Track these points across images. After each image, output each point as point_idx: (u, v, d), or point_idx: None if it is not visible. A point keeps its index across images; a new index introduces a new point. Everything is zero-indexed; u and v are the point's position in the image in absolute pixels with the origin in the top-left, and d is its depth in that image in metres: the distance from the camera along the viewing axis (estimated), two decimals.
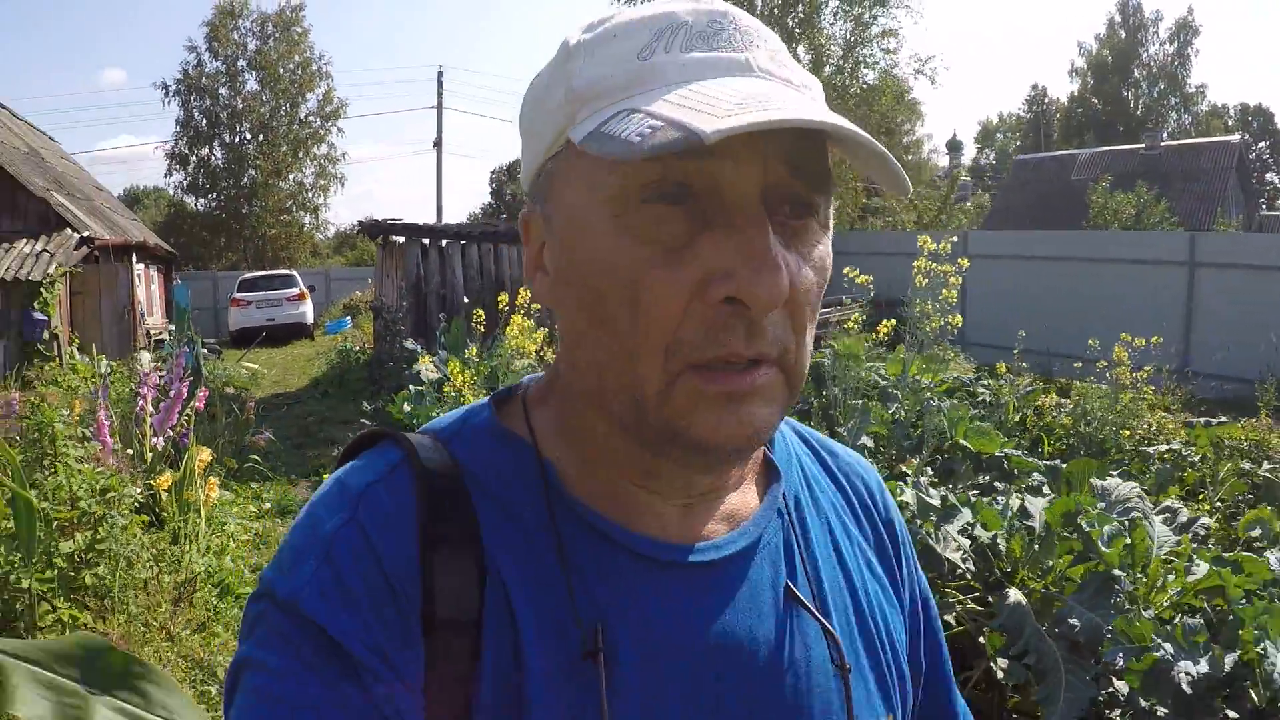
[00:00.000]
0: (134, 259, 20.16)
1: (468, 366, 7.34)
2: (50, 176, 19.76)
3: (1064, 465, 5.05)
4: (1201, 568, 3.42)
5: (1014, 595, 3.40)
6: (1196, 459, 6.97)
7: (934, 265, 6.52)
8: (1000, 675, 3.29)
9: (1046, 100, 70.35)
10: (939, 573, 3.65)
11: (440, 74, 43.10)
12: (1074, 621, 3.15)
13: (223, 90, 49.98)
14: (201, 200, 50.03)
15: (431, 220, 25.50)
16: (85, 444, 5.91)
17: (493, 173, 72.84)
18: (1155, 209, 29.94)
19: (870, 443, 5.91)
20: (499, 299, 7.97)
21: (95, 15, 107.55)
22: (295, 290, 27.21)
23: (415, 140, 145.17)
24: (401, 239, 15.57)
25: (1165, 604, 3.50)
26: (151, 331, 20.95)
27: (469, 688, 0.77)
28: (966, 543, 3.76)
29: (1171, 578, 3.49)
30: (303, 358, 20.49)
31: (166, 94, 48.88)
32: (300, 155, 51.40)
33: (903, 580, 1.04)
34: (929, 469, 5.61)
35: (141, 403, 7.06)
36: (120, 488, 5.21)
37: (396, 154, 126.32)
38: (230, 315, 27.11)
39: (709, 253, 0.72)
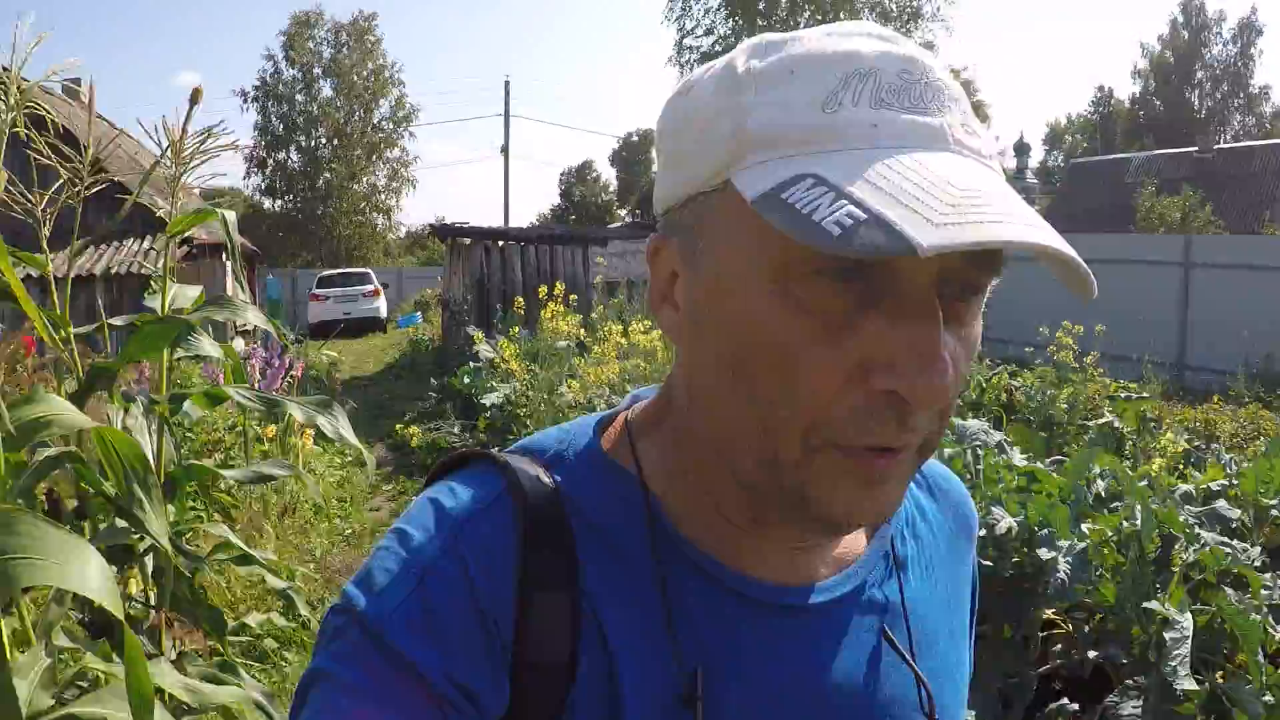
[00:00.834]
0: (223, 256, 22.06)
1: (513, 343, 9.00)
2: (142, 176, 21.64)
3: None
4: (1014, 478, 4.89)
5: None
6: (1129, 430, 8.31)
7: None
8: None
9: (1112, 102, 69.73)
10: None
11: (507, 83, 44.88)
12: None
13: (299, 97, 52.37)
14: (278, 202, 52.47)
15: (498, 222, 27.32)
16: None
17: (562, 174, 75.21)
18: (1200, 213, 30.27)
19: None
20: (540, 292, 9.64)
21: (170, 19, 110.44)
22: (370, 287, 29.14)
23: (485, 143, 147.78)
24: (468, 240, 17.62)
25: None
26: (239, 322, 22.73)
27: None
28: None
29: (996, 483, 4.98)
30: (377, 348, 22.41)
31: (245, 101, 51.44)
32: (373, 159, 53.79)
33: (975, 600, 1.04)
34: None
35: (250, 369, 8.80)
36: (245, 423, 6.97)
37: (466, 158, 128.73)
38: (309, 309, 29.01)
39: (872, 337, 0.67)
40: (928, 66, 0.71)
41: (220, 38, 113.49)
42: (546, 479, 0.84)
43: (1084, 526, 4.20)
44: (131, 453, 2.10)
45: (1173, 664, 3.24)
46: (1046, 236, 0.63)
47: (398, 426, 10.41)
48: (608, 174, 75.58)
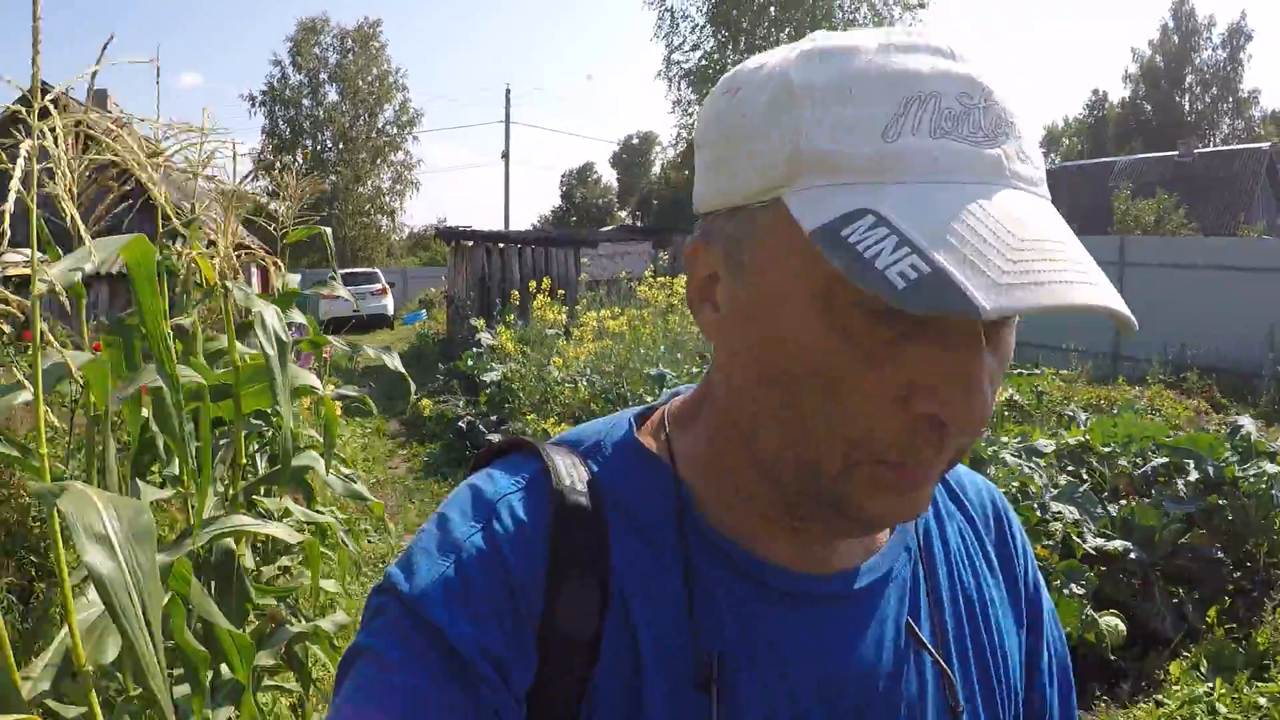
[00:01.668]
0: (242, 255, 23.87)
1: (510, 329, 10.79)
2: (171, 183, 23.46)
3: None
4: None
5: None
6: (1029, 404, 9.95)
7: None
8: None
9: (1106, 105, 69.98)
10: None
11: (508, 91, 46.75)
12: None
13: (305, 101, 54.24)
14: (285, 204, 53.74)
15: (499, 222, 29.03)
16: None
17: (563, 176, 75.70)
18: (1174, 215, 30.85)
19: None
20: (531, 287, 11.44)
21: (172, 20, 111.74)
22: (378, 285, 30.83)
23: (488, 147, 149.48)
24: (471, 243, 19.61)
25: None
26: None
27: (575, 706, 0.79)
28: None
29: None
30: (386, 342, 23.93)
31: (253, 104, 53.36)
32: (378, 162, 55.73)
33: (1025, 594, 1.02)
34: None
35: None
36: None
37: (469, 161, 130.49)
38: (321, 306, 30.65)
39: (916, 364, 0.69)
40: (987, 89, 0.69)
41: (223, 40, 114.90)
42: (581, 467, 0.87)
43: None
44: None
45: None
46: (1103, 296, 0.63)
47: (411, 399, 12.16)
48: (608, 176, 76.35)
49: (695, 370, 8.89)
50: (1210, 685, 4.67)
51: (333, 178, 53.18)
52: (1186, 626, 5.24)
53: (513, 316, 11.46)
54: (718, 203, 0.79)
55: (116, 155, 2.22)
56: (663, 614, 0.82)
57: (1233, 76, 62.39)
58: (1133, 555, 5.36)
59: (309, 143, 53.14)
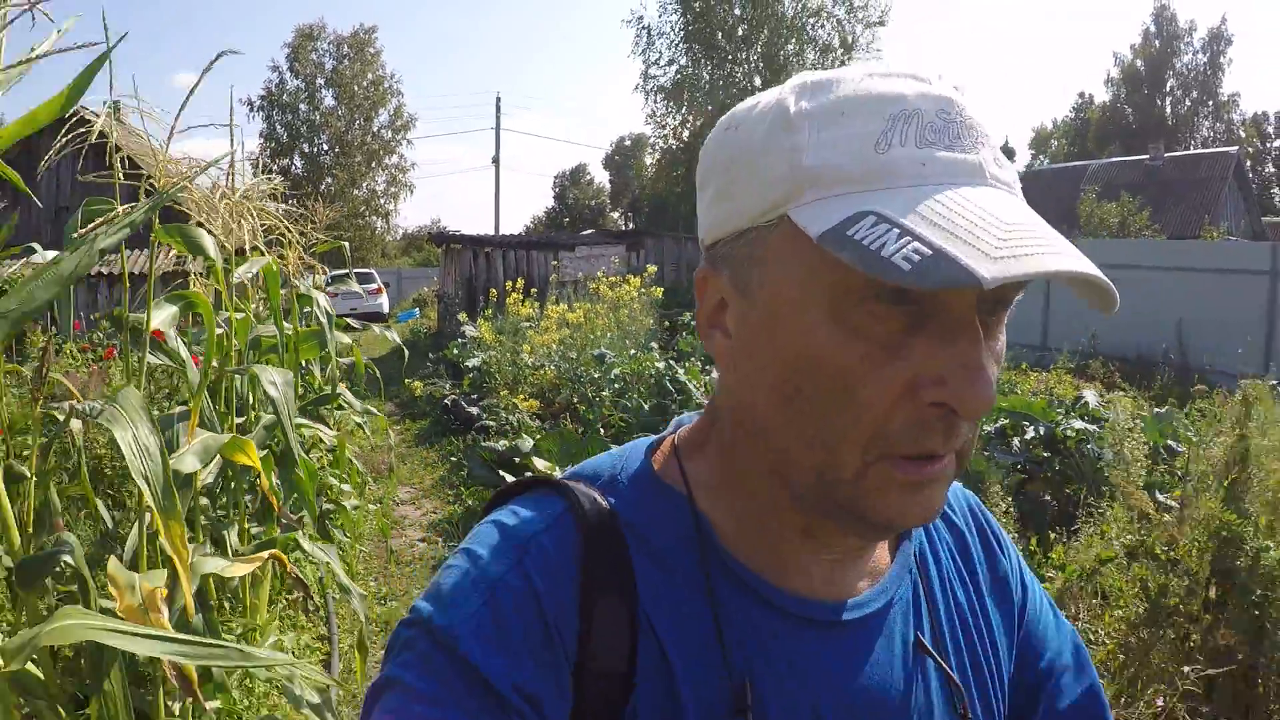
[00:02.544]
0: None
1: (488, 322, 12.82)
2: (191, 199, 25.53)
3: None
4: None
5: None
6: None
7: None
8: None
9: (1092, 107, 70.51)
10: None
11: (498, 100, 49.64)
12: None
13: (302, 106, 56.16)
14: (282, 206, 55.48)
15: (489, 227, 30.95)
16: None
17: (556, 178, 77.61)
18: (1139, 218, 31.82)
19: None
20: (507, 286, 13.48)
21: (168, 18, 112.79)
22: (374, 285, 32.76)
23: (481, 150, 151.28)
24: (459, 246, 21.94)
25: None
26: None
27: None
28: None
29: None
30: (382, 337, 26.20)
31: (251, 109, 55.05)
32: (373, 166, 57.64)
33: (1011, 586, 1.07)
34: None
35: None
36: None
37: (462, 164, 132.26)
38: None
39: (922, 355, 0.74)
40: (960, 106, 0.77)
41: (219, 40, 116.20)
42: (603, 501, 0.89)
43: None
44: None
45: None
46: (1087, 265, 0.69)
47: (405, 382, 14.09)
48: (601, 178, 77.81)
49: (633, 352, 10.82)
50: None
51: (328, 180, 55.00)
52: None
53: (491, 311, 13.54)
54: (724, 230, 0.83)
55: (183, 206, 3.69)
56: (690, 641, 0.84)
57: (1213, 80, 63.60)
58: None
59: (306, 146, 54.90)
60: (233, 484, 3.91)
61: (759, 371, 0.82)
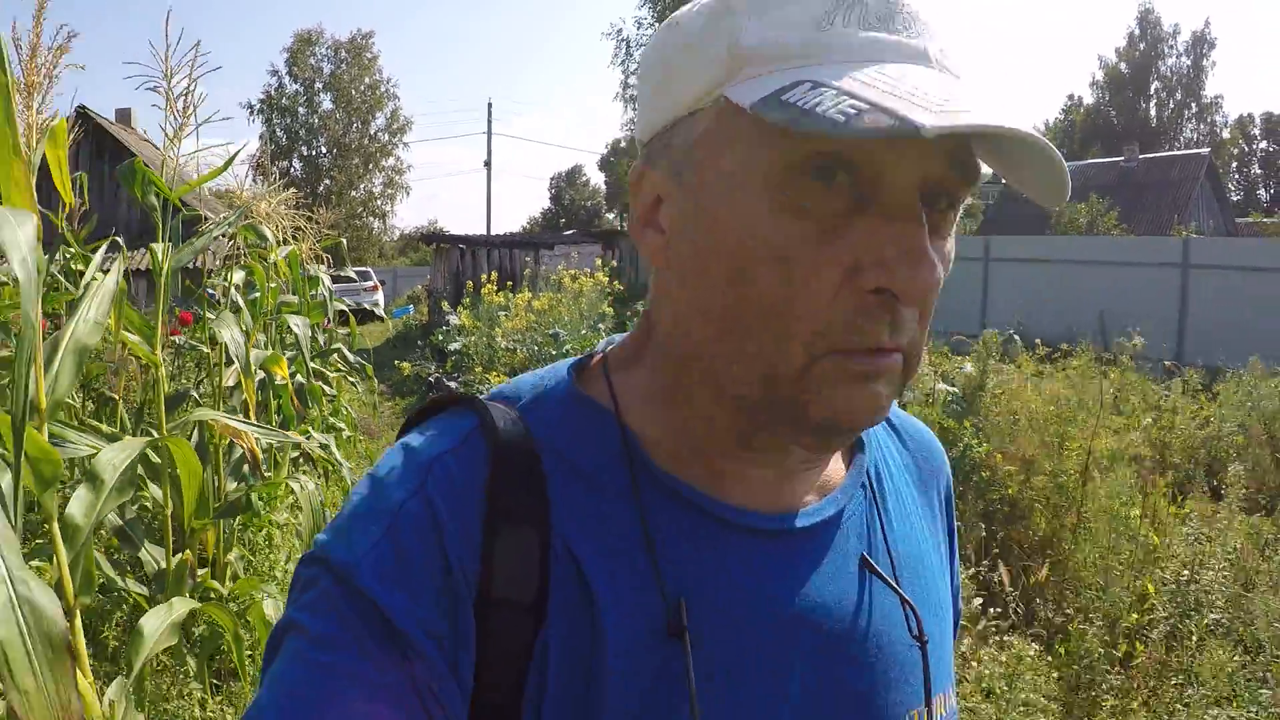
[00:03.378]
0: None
1: (467, 310, 14.91)
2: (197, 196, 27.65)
3: None
4: None
5: None
6: None
7: None
8: None
9: (1081, 109, 71.37)
10: None
11: (490, 104, 52.09)
12: None
13: (300, 109, 58.03)
14: (295, 211, 57.43)
15: (482, 227, 32.91)
16: None
17: (552, 178, 79.27)
18: (1107, 218, 32.53)
19: None
20: (483, 279, 15.59)
21: (172, 20, 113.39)
22: (371, 284, 34.68)
23: (475, 154, 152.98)
24: (448, 245, 24.40)
25: None
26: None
27: (522, 667, 0.77)
28: None
29: None
30: (377, 331, 28.39)
31: (251, 113, 57.18)
32: (370, 168, 59.53)
33: (950, 539, 1.07)
34: None
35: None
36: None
37: (458, 165, 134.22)
38: None
39: (864, 238, 0.72)
40: (910, 2, 0.75)
41: (219, 44, 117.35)
42: (520, 421, 0.85)
43: None
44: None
45: None
46: (1025, 125, 0.67)
47: (395, 362, 16.18)
48: (596, 179, 79.58)
49: (583, 331, 12.58)
50: None
51: (326, 182, 56.80)
52: None
53: (469, 301, 15.55)
54: (662, 121, 0.82)
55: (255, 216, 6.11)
56: (618, 562, 0.80)
57: (1196, 82, 65.20)
58: None
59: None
60: (270, 390, 5.90)
61: (695, 264, 0.79)
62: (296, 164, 57.92)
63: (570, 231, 29.37)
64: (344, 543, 0.78)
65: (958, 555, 1.09)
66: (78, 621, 2.44)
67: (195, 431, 4.55)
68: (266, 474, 4.64)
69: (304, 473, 6.02)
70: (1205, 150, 43.76)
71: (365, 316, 34.49)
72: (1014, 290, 21.24)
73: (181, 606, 3.27)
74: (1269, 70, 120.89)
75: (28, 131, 2.41)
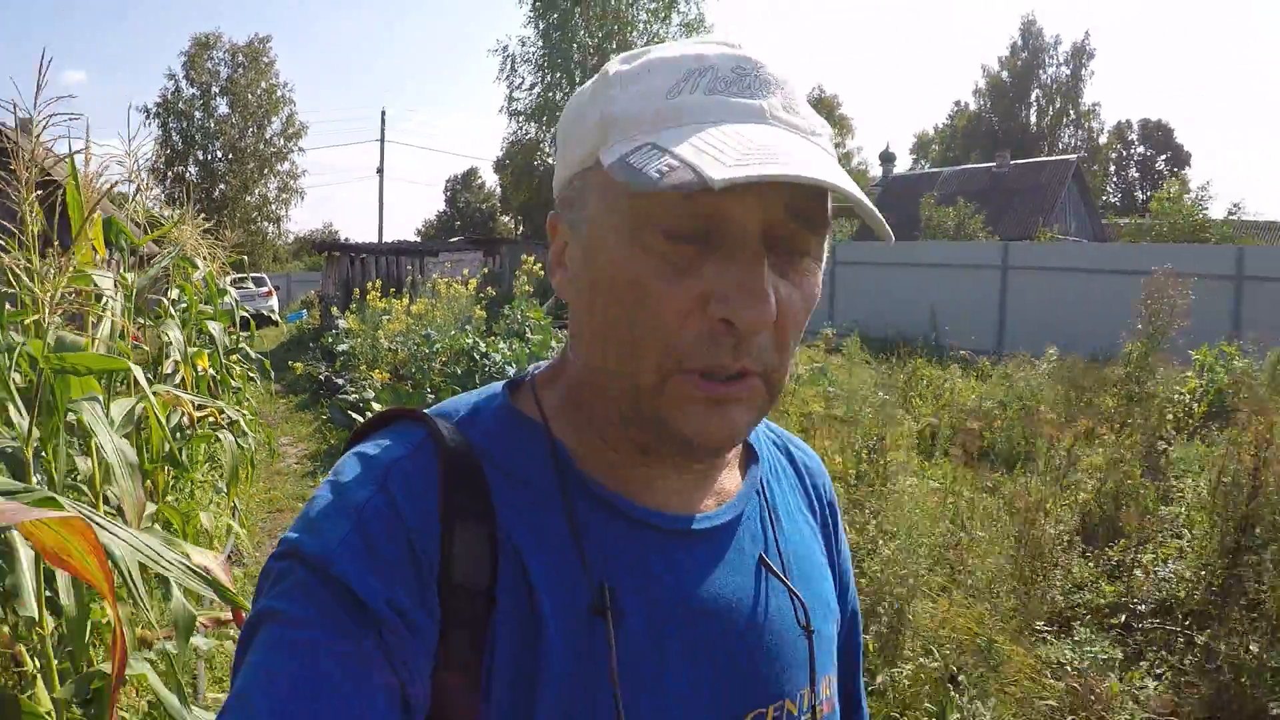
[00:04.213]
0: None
1: (354, 314, 16.95)
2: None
3: None
4: None
5: None
6: None
7: None
8: None
9: (967, 115, 73.77)
10: None
11: (384, 112, 53.41)
12: None
13: (197, 113, 58.39)
14: (176, 212, 57.54)
15: (373, 233, 34.60)
16: None
17: (448, 181, 78.41)
18: (974, 221, 34.01)
19: None
20: (369, 285, 17.67)
21: (59, 10, 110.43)
22: (265, 289, 35.50)
23: (369, 160, 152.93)
24: (339, 253, 26.32)
25: None
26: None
27: (481, 648, 0.87)
28: None
29: None
30: (272, 335, 29.74)
31: (148, 116, 57.12)
32: (265, 173, 60.24)
33: (836, 554, 1.21)
34: None
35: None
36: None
37: (352, 174, 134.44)
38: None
39: (711, 276, 0.83)
40: (759, 64, 0.87)
41: (113, 40, 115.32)
42: (460, 434, 0.96)
43: None
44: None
45: None
46: (820, 173, 0.78)
47: (289, 363, 18.03)
48: (491, 180, 76.91)
49: (453, 332, 13.95)
50: None
51: (222, 186, 57.56)
52: None
53: (356, 306, 17.51)
54: (564, 176, 0.95)
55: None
56: (552, 555, 0.91)
57: (1075, 91, 68.12)
58: None
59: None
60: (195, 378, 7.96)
61: (585, 296, 0.91)
62: (192, 169, 58.20)
63: (456, 239, 31.07)
64: (316, 537, 0.85)
65: (848, 554, 1.26)
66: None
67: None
68: (196, 433, 6.76)
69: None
70: (1073, 156, 46.09)
71: (261, 321, 35.87)
72: (857, 292, 23.30)
73: (149, 508, 5.28)
74: (1147, 79, 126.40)
75: None
